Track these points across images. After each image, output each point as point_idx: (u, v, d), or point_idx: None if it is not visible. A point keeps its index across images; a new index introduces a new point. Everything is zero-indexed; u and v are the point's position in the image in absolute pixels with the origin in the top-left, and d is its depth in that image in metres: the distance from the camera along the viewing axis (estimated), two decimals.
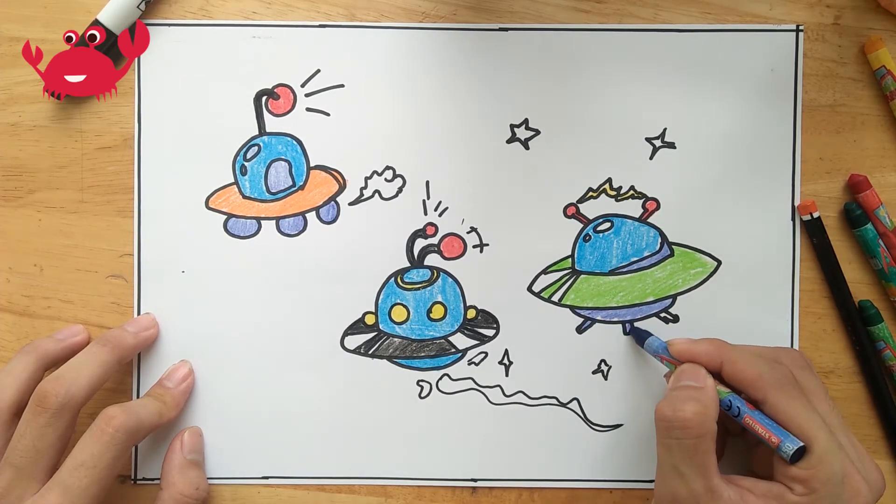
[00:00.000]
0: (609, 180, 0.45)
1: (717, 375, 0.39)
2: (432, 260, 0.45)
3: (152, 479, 0.45)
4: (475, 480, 0.45)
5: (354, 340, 0.45)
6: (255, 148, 0.45)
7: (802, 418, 0.36)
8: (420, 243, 0.45)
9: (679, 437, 0.36)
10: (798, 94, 0.44)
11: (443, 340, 0.45)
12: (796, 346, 0.44)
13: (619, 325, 0.45)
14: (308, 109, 0.45)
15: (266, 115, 0.45)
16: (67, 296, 0.45)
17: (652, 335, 0.43)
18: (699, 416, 0.36)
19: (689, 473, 0.36)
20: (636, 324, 0.44)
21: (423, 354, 0.45)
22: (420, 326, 0.45)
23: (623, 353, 0.45)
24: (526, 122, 0.44)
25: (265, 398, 0.45)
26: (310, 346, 0.45)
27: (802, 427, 0.36)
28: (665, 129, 0.44)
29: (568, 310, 0.45)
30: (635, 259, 0.45)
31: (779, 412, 0.36)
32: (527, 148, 0.45)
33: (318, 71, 0.44)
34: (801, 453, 0.35)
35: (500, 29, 0.44)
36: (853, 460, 0.36)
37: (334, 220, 0.45)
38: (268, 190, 0.45)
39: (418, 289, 0.45)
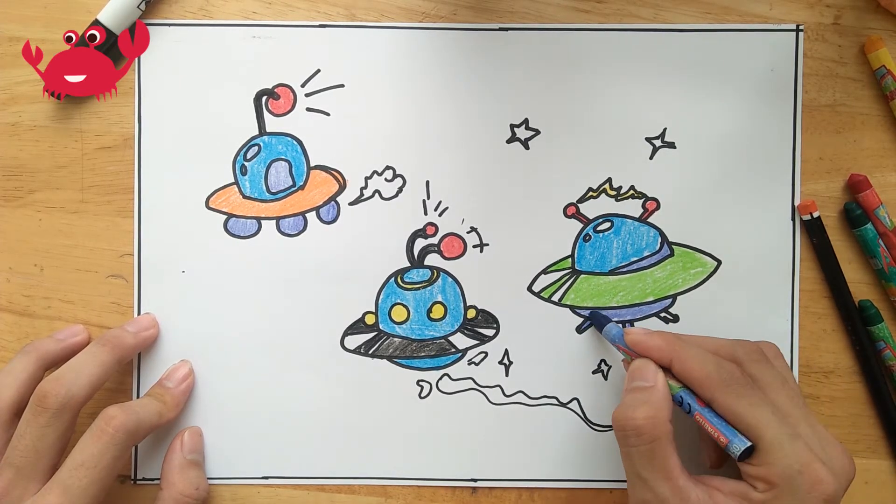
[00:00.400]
0: (609, 180, 0.45)
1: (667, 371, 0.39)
2: (432, 260, 0.45)
3: (152, 479, 0.45)
4: (475, 480, 0.45)
5: (354, 340, 0.45)
6: (256, 148, 0.45)
7: (749, 416, 0.36)
8: (420, 243, 0.45)
9: (634, 443, 0.36)
10: (798, 94, 0.44)
11: (443, 340, 0.45)
12: (796, 346, 0.44)
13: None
14: (308, 109, 0.45)
15: (266, 114, 0.45)
16: (67, 296, 0.45)
17: (612, 322, 0.43)
18: (651, 420, 0.36)
19: (652, 479, 0.35)
20: (603, 313, 0.45)
21: (423, 354, 0.45)
22: (420, 326, 0.45)
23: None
24: (526, 122, 0.44)
25: (265, 398, 0.45)
26: (310, 346, 0.45)
27: (750, 424, 0.35)
28: (665, 129, 0.44)
29: (568, 310, 0.45)
30: (635, 259, 0.45)
31: (726, 411, 0.36)
32: (527, 148, 0.45)
33: (318, 71, 0.44)
34: (750, 451, 0.35)
35: (500, 29, 0.44)
36: (813, 448, 0.35)
37: (334, 220, 0.45)
38: (268, 190, 0.45)
39: (418, 289, 0.45)
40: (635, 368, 0.39)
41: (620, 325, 0.43)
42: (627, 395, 0.38)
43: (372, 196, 0.45)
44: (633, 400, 0.37)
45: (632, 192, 0.45)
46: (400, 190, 0.45)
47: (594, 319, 0.44)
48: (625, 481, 0.44)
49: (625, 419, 0.36)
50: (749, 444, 0.35)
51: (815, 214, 0.44)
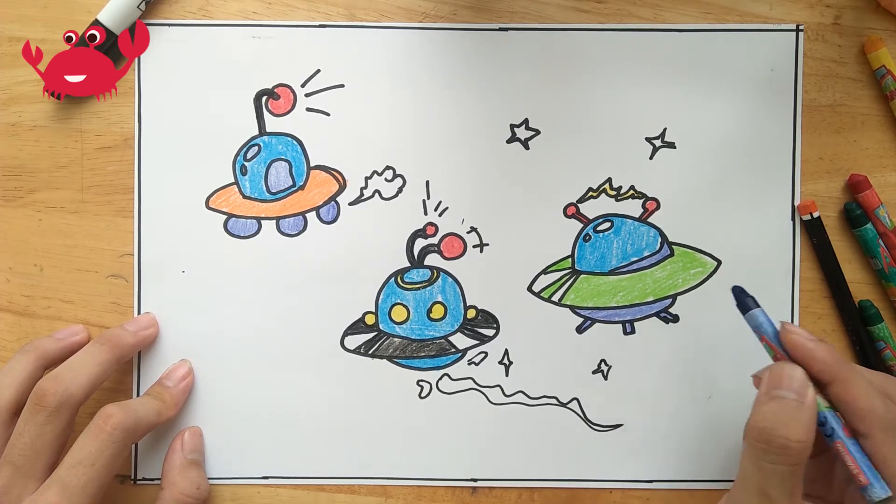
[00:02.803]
0: (609, 180, 0.45)
1: (818, 384, 0.35)
2: (432, 260, 0.45)
3: (152, 479, 0.44)
4: (475, 480, 0.45)
5: (354, 340, 0.45)
6: (256, 148, 0.45)
7: None
8: (420, 243, 0.45)
9: (775, 462, 0.33)
10: (798, 94, 0.44)
11: (443, 340, 0.45)
12: None
13: (620, 325, 0.45)
14: (308, 109, 0.45)
15: (266, 114, 0.45)
16: (67, 296, 0.45)
17: (760, 307, 0.37)
18: (802, 445, 0.33)
19: (778, 498, 0.33)
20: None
21: (423, 354, 0.45)
22: (420, 326, 0.45)
23: (623, 353, 0.45)
24: (526, 122, 0.44)
25: (265, 398, 0.45)
26: (310, 346, 0.45)
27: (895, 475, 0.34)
28: (665, 129, 0.44)
29: (568, 310, 0.45)
30: (635, 259, 0.45)
31: (877, 452, 0.34)
32: (527, 148, 0.45)
33: (318, 71, 0.45)
34: (887, 501, 0.34)
35: (500, 29, 0.44)
36: None
37: (334, 220, 0.45)
38: (268, 190, 0.45)
39: (418, 289, 0.45)
40: (784, 375, 0.35)
41: (769, 316, 0.37)
42: (772, 404, 0.34)
43: (372, 196, 0.45)
44: (784, 415, 0.34)
45: (632, 192, 0.45)
46: (400, 190, 0.45)
47: (738, 297, 0.38)
48: (624, 481, 0.44)
49: (774, 434, 0.33)
50: (890, 494, 0.34)
51: (815, 214, 0.44)
